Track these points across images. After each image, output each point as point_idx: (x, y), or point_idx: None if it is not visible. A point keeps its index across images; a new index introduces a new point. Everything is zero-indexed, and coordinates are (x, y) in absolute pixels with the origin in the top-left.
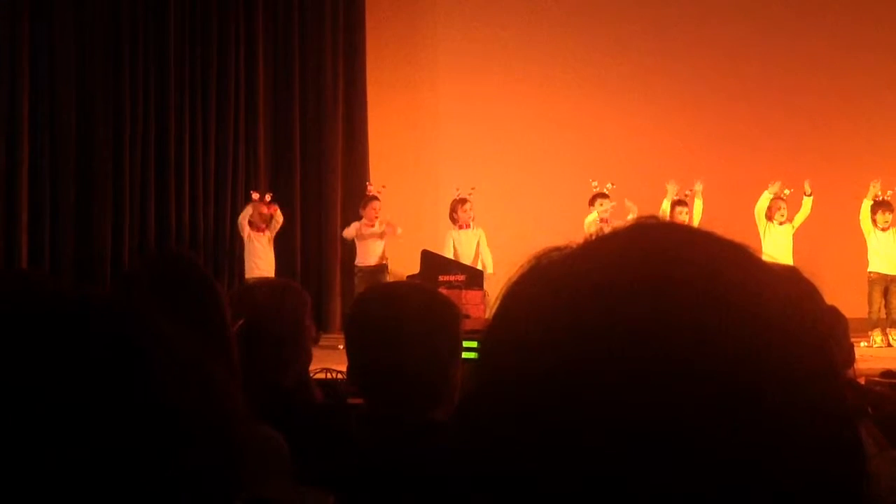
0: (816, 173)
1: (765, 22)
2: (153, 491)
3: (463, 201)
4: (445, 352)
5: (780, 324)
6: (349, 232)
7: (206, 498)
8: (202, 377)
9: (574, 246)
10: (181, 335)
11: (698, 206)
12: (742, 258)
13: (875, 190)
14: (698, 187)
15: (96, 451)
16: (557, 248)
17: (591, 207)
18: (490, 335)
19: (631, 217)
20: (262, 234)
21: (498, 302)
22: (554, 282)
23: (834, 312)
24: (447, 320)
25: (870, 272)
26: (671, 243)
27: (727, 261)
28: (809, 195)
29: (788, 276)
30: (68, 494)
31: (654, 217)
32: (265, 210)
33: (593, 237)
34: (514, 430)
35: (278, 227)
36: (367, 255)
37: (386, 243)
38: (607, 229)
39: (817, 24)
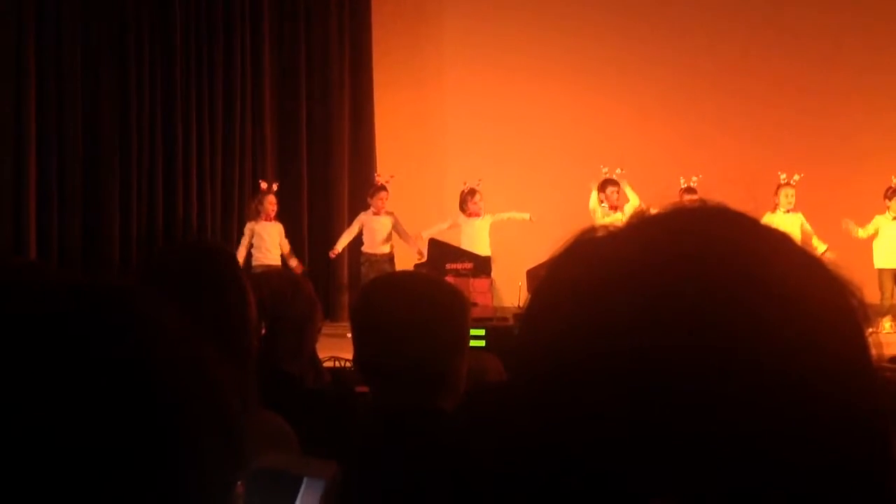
0: (829, 161)
1: (778, 11)
2: (154, 483)
3: (473, 192)
4: (452, 342)
5: (825, 315)
6: (353, 231)
7: (207, 486)
8: (204, 370)
9: (616, 227)
10: (186, 326)
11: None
12: (785, 245)
13: None
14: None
15: (96, 444)
16: (598, 229)
17: (601, 194)
18: (531, 316)
19: (631, 204)
20: (270, 222)
21: (541, 282)
22: (598, 264)
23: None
24: (454, 310)
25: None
26: (716, 228)
27: (772, 248)
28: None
29: (821, 264)
30: (69, 486)
31: (700, 200)
32: (273, 201)
33: (636, 218)
34: (556, 413)
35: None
36: (374, 243)
37: (393, 232)
38: (617, 214)
39: (831, 13)
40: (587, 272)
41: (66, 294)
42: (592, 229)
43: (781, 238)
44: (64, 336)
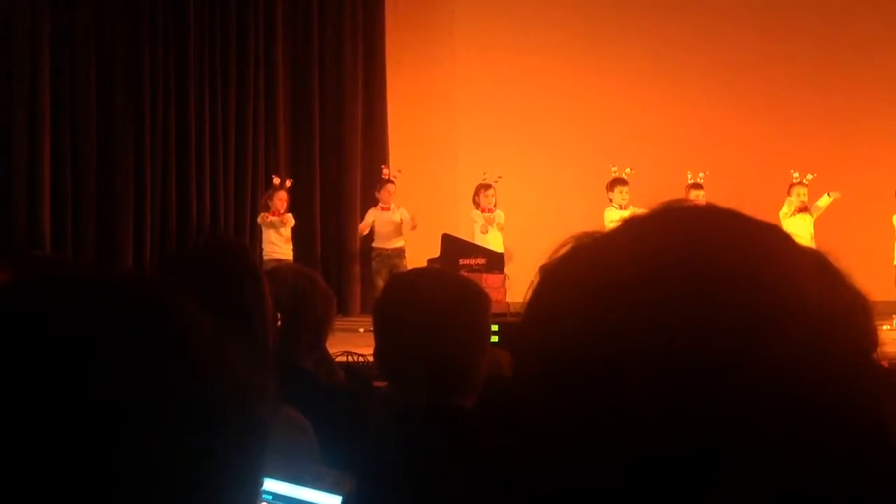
0: (842, 158)
1: (797, 5)
2: (179, 472)
3: (486, 187)
4: (474, 340)
5: (818, 311)
6: (363, 226)
7: (231, 477)
8: (228, 361)
9: (613, 228)
10: (207, 319)
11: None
12: (778, 241)
13: None
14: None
15: (129, 434)
16: (594, 233)
17: (610, 193)
18: (530, 316)
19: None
20: (280, 216)
21: (536, 283)
22: (596, 265)
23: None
24: (477, 309)
25: None
26: (710, 227)
27: (765, 245)
28: (830, 196)
29: (818, 259)
30: (94, 480)
31: (685, 200)
32: (284, 197)
33: (629, 219)
34: (553, 414)
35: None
36: (384, 237)
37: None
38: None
39: (854, 9)
40: (583, 273)
41: (103, 288)
42: (588, 233)
43: (776, 234)
44: (100, 329)
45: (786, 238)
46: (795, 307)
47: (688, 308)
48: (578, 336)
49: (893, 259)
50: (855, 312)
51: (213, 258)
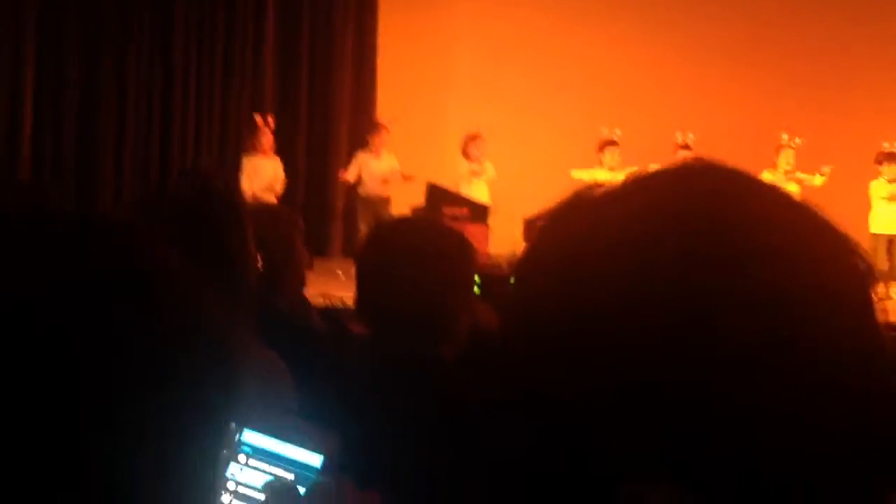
0: (827, 123)
1: None
2: (150, 417)
3: (474, 137)
4: (457, 291)
5: (832, 278)
6: (351, 172)
7: (202, 421)
8: (200, 304)
9: (614, 186)
10: (184, 263)
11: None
12: (789, 204)
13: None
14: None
15: (95, 369)
16: (595, 188)
17: (601, 154)
18: (527, 269)
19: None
20: (266, 157)
21: (536, 237)
22: (596, 221)
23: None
24: (462, 261)
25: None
26: (719, 188)
27: (777, 206)
28: (823, 175)
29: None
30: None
31: (701, 159)
32: (270, 135)
33: (634, 177)
34: (548, 368)
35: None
36: (371, 184)
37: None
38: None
39: None
40: (584, 232)
41: (70, 223)
42: (590, 188)
43: (784, 196)
44: (66, 264)
45: (794, 200)
46: (803, 271)
47: (686, 270)
48: (582, 292)
49: (868, 227)
50: (863, 278)
51: (195, 200)
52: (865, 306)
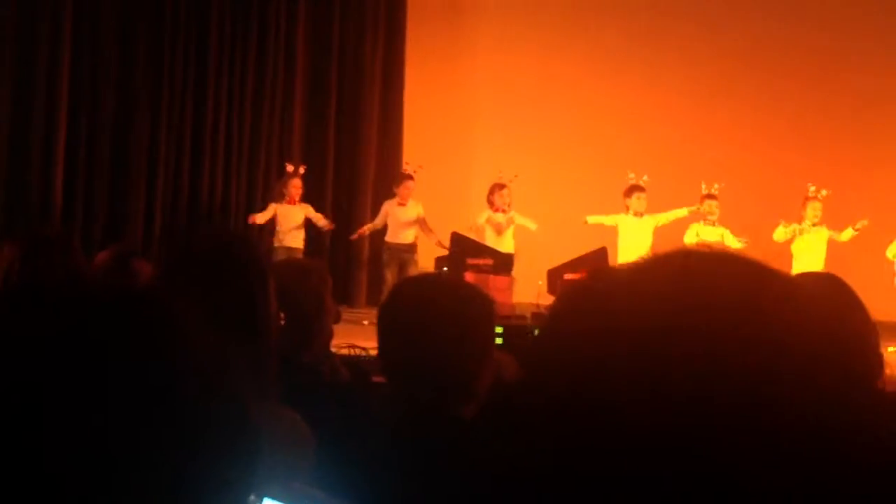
0: (852, 175)
1: (813, 18)
2: (170, 492)
3: (500, 186)
4: (478, 350)
5: (824, 362)
6: (379, 221)
7: (223, 496)
8: (225, 374)
9: (625, 268)
10: (209, 330)
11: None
12: (783, 287)
13: None
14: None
15: (118, 454)
16: (606, 270)
17: (627, 199)
18: (539, 356)
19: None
20: (294, 205)
21: (548, 320)
22: (605, 311)
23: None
24: (481, 319)
25: None
26: (718, 277)
27: (770, 292)
28: (856, 230)
29: (826, 290)
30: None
31: (703, 245)
32: (298, 184)
33: (644, 260)
34: (555, 451)
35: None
36: (398, 232)
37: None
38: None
39: (865, 21)
40: (595, 319)
41: (102, 301)
42: (602, 270)
43: (782, 279)
44: (98, 342)
45: (789, 282)
46: (796, 359)
47: (690, 357)
48: (585, 375)
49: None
50: (863, 340)
51: (221, 260)
52: (867, 370)
